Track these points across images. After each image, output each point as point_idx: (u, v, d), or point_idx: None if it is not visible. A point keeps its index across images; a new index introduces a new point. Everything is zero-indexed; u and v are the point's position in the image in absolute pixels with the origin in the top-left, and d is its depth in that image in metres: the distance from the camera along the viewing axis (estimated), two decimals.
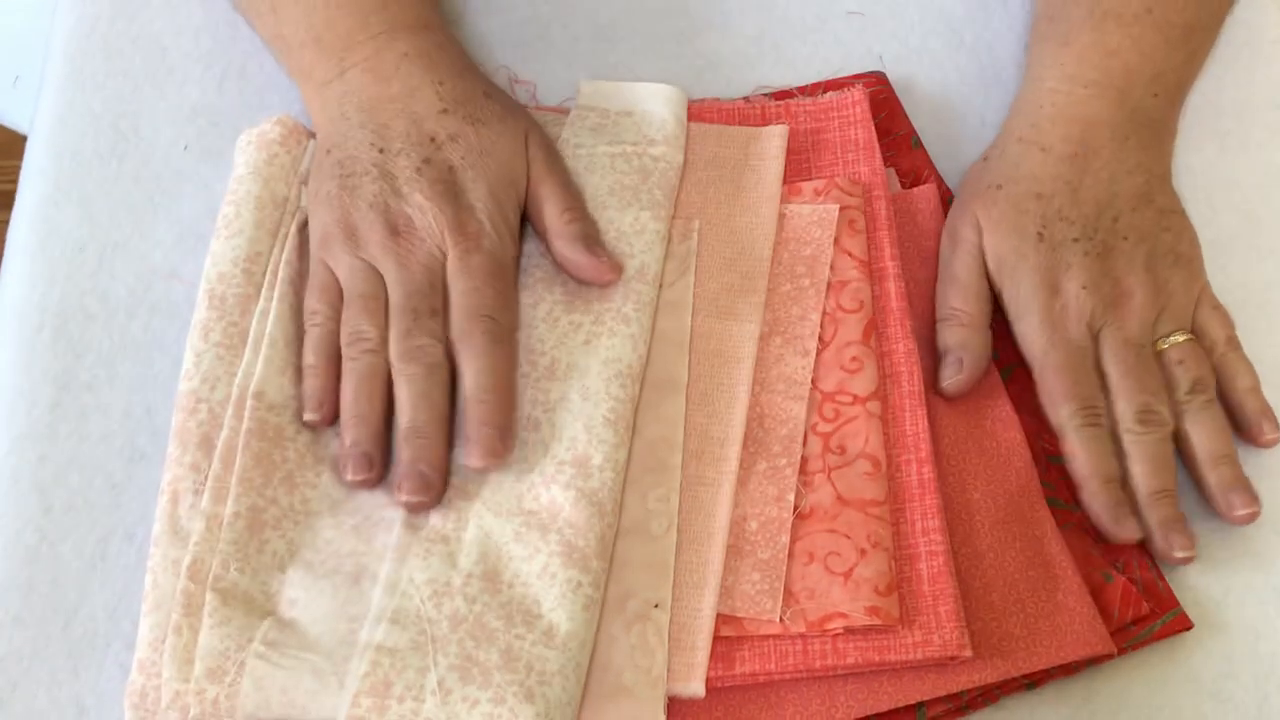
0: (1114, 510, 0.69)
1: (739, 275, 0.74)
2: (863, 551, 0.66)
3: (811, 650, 0.65)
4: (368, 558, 0.66)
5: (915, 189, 0.77)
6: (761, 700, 0.66)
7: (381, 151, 0.71)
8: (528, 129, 0.74)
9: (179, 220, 0.77)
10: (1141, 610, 0.67)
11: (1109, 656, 0.66)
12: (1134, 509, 0.69)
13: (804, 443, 0.69)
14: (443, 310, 0.69)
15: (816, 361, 0.71)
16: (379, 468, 0.68)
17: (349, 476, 0.67)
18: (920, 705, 0.66)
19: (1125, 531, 0.69)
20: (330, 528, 0.67)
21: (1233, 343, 0.73)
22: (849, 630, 0.65)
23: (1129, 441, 0.70)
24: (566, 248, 0.71)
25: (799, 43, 0.83)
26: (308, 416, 0.69)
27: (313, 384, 0.69)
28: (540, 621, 0.64)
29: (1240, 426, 0.72)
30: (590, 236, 0.72)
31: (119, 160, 0.78)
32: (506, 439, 0.67)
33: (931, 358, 0.73)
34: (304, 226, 0.73)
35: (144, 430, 0.72)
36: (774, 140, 0.77)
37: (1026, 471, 0.70)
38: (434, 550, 0.66)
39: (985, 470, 0.70)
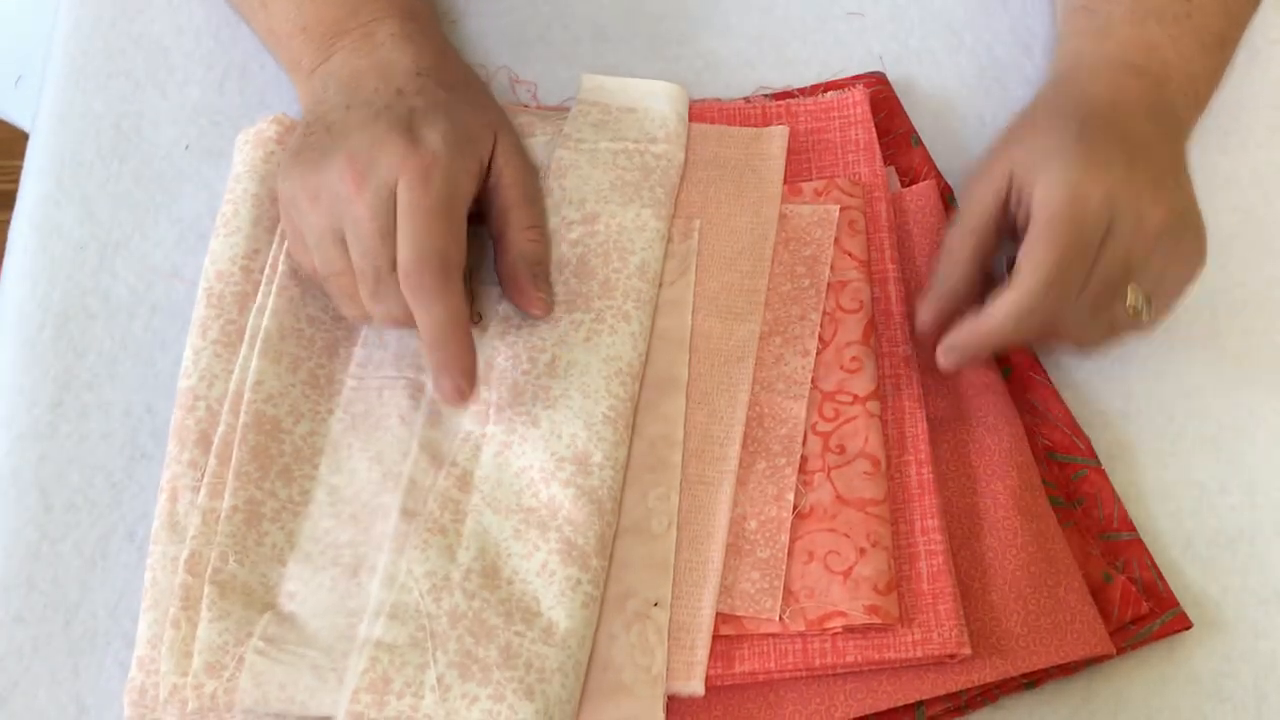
0: (962, 343, 0.68)
1: (739, 275, 0.74)
2: (862, 550, 0.66)
3: (811, 649, 0.65)
4: (365, 547, 0.66)
5: (914, 186, 0.77)
6: (761, 699, 0.66)
7: (347, 108, 0.70)
8: (499, 125, 0.72)
9: (180, 220, 0.77)
10: (1141, 610, 0.67)
11: (1108, 656, 0.66)
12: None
13: (804, 442, 0.70)
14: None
15: (816, 361, 0.71)
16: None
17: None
18: (919, 704, 0.66)
19: (927, 341, 0.69)
20: (329, 517, 0.67)
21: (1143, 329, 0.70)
22: (848, 629, 0.65)
23: (1021, 281, 0.66)
24: (519, 265, 0.70)
25: (799, 43, 0.83)
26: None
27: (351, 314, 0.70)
28: (539, 619, 0.64)
29: None
30: (543, 264, 0.71)
31: (120, 160, 0.78)
32: (470, 378, 0.67)
33: (931, 357, 0.73)
34: None
35: (145, 429, 0.72)
36: (775, 141, 0.77)
37: (1028, 469, 0.70)
38: (432, 541, 0.66)
39: (986, 469, 0.70)
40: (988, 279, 0.71)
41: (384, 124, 0.68)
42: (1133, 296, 0.67)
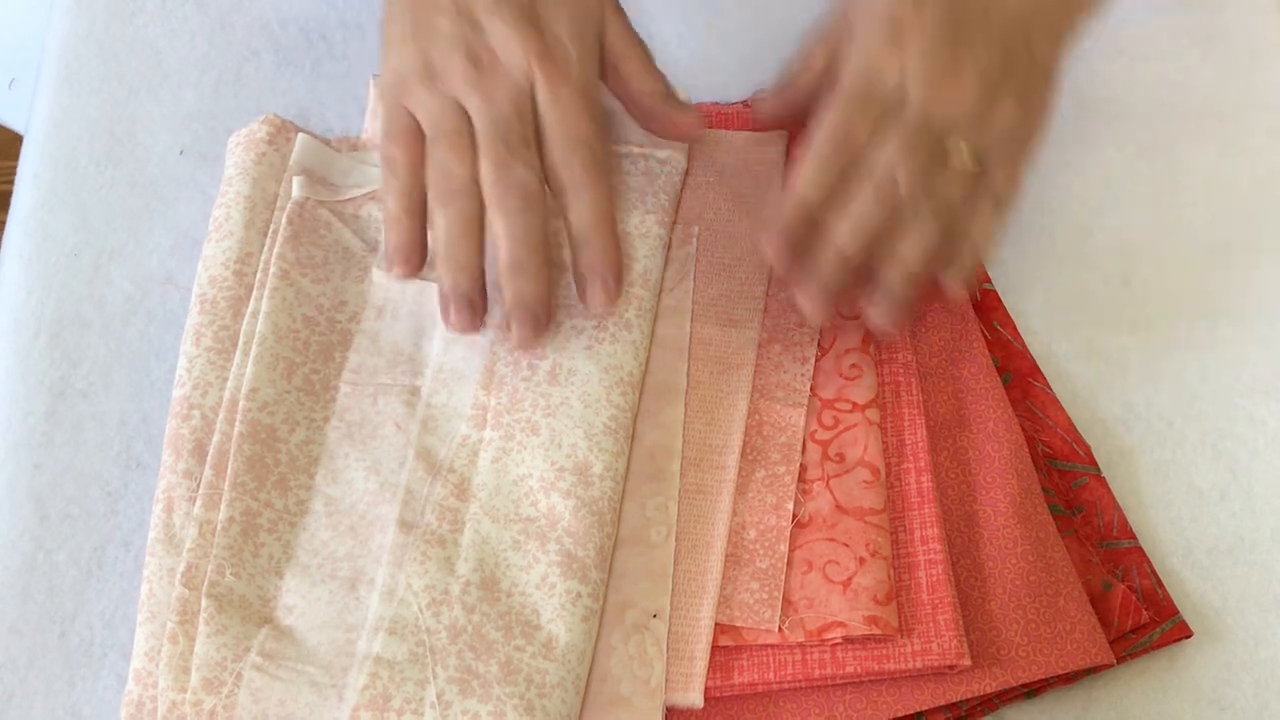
0: (780, 225, 0.67)
1: (738, 281, 0.73)
2: (861, 560, 0.66)
3: (810, 660, 0.65)
4: (364, 560, 0.66)
5: None
6: (760, 710, 0.65)
7: None
8: (606, 3, 0.71)
9: (175, 226, 0.76)
10: (1141, 618, 0.67)
11: (1108, 665, 0.66)
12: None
13: (803, 450, 0.69)
14: (535, 141, 0.67)
15: (816, 369, 0.71)
16: (481, 312, 0.68)
17: (452, 322, 0.67)
18: (919, 715, 0.66)
19: (774, 255, 0.67)
20: (326, 529, 0.67)
21: (1002, 203, 0.69)
22: (848, 639, 0.65)
23: (856, 201, 0.66)
24: (657, 103, 0.71)
25: (797, 45, 0.83)
26: (396, 270, 0.69)
27: (399, 237, 0.68)
28: (539, 633, 0.64)
29: (943, 261, 0.68)
30: (673, 95, 0.72)
31: (114, 165, 0.78)
32: (618, 276, 0.67)
33: (929, 365, 0.73)
34: (296, 215, 0.73)
35: (140, 438, 0.72)
36: (774, 146, 0.77)
37: (1028, 477, 0.69)
38: (431, 554, 0.65)
39: (985, 477, 0.69)
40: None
41: (507, 14, 0.67)
42: (957, 154, 0.67)
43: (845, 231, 0.66)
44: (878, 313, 0.68)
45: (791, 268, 0.68)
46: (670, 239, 0.74)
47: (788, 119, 0.73)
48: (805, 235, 0.67)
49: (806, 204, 0.67)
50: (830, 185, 0.67)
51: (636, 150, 0.75)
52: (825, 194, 0.67)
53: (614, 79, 0.72)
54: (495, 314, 0.69)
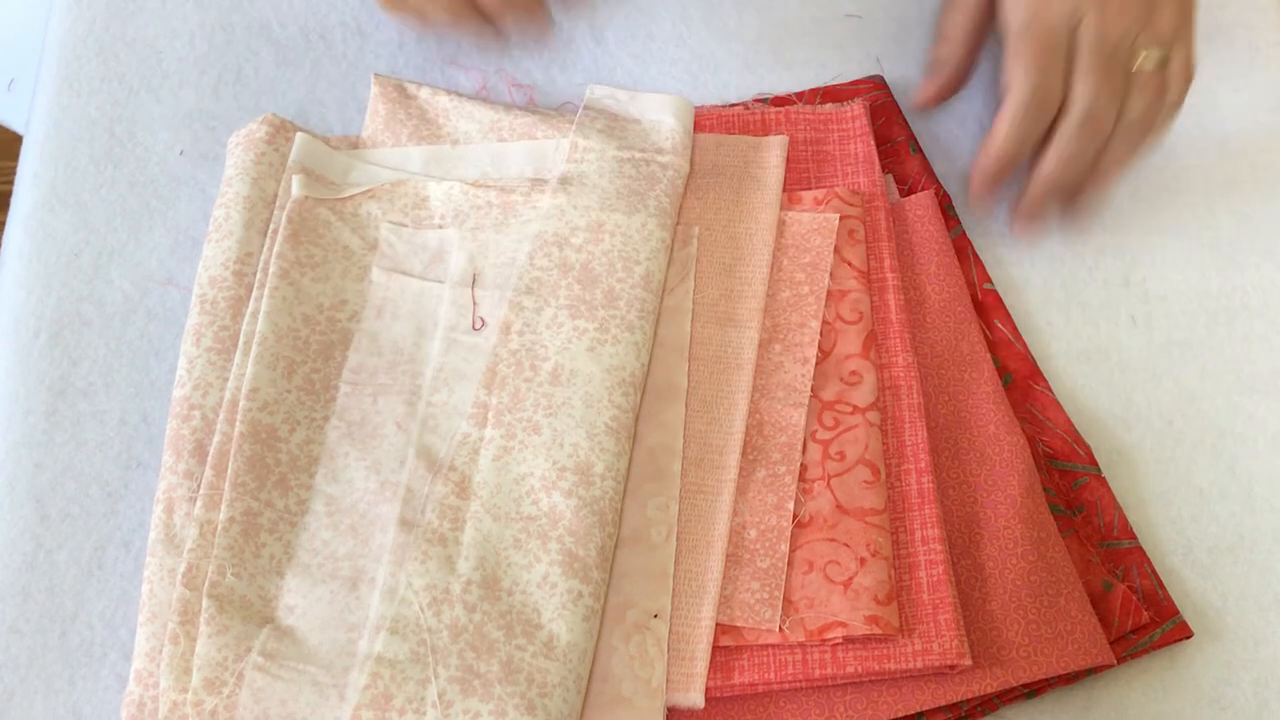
0: (988, 174, 0.74)
1: (738, 281, 0.73)
2: (862, 560, 0.66)
3: (811, 660, 0.65)
4: (365, 560, 0.66)
5: (912, 196, 0.77)
6: (760, 710, 0.65)
7: None
8: None
9: (175, 225, 0.76)
10: (1141, 619, 0.67)
11: (1109, 665, 0.66)
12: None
13: (804, 450, 0.69)
14: None
15: (816, 372, 0.71)
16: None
17: None
18: (920, 715, 0.66)
19: (977, 198, 0.74)
20: (327, 528, 0.67)
21: (1177, 102, 0.74)
22: (848, 639, 0.65)
23: (1060, 133, 0.73)
24: None
25: (797, 46, 0.83)
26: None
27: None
28: (541, 632, 0.64)
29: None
30: None
31: (114, 165, 0.78)
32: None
33: (930, 366, 0.73)
34: (295, 214, 0.73)
35: (141, 437, 0.71)
36: (774, 150, 0.77)
37: (1029, 476, 0.69)
38: (431, 553, 0.65)
39: (986, 478, 0.69)
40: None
41: None
42: (1141, 58, 0.73)
43: (1056, 163, 0.73)
44: (1021, 220, 0.75)
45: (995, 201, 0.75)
46: (672, 240, 0.74)
47: (955, 81, 0.79)
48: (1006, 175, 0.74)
49: (1006, 155, 0.73)
50: (1030, 133, 0.73)
51: (639, 154, 0.75)
52: (1025, 143, 0.73)
53: None
54: None
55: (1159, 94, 0.73)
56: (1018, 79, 0.72)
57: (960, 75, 0.79)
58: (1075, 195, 0.76)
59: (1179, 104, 0.74)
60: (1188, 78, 0.74)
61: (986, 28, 0.77)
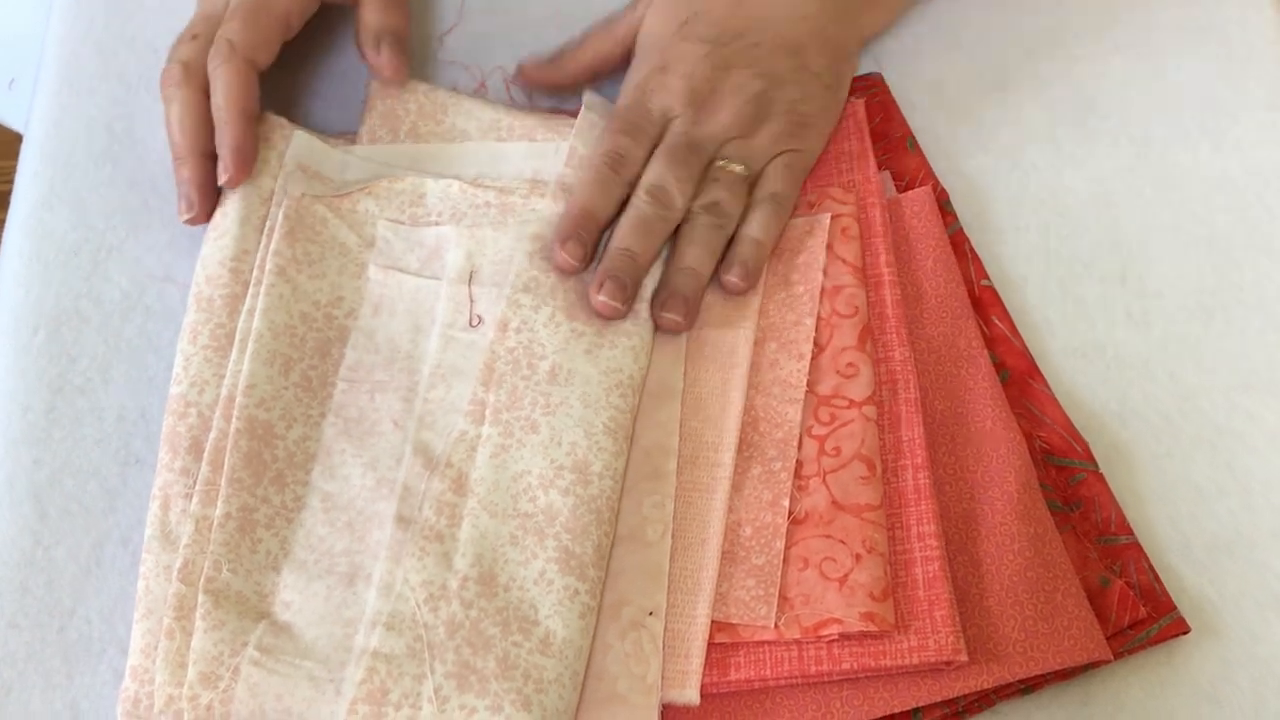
0: (564, 233, 0.72)
1: None
2: (858, 557, 0.66)
3: (806, 656, 0.65)
4: (362, 556, 0.66)
5: (909, 193, 0.77)
6: (756, 707, 0.65)
7: None
8: None
9: (173, 223, 0.76)
10: (1138, 614, 0.67)
11: (1106, 661, 0.66)
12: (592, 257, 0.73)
13: (799, 446, 0.69)
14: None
15: (812, 366, 0.71)
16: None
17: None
18: (916, 711, 0.66)
19: (559, 255, 0.72)
20: (323, 524, 0.67)
21: (776, 200, 0.74)
22: (844, 636, 0.65)
23: (631, 205, 0.73)
24: (364, 36, 0.77)
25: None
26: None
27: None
28: (537, 629, 0.64)
29: (724, 261, 0.73)
30: (391, 32, 0.77)
31: (113, 163, 0.78)
32: (240, 161, 0.73)
33: (927, 362, 0.73)
34: (292, 211, 0.73)
35: (139, 434, 0.72)
36: None
37: (1026, 472, 0.69)
38: (429, 549, 0.65)
39: (983, 474, 0.69)
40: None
41: None
42: (724, 165, 0.74)
43: (626, 228, 0.72)
44: (671, 314, 0.72)
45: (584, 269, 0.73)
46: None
47: (554, 85, 0.81)
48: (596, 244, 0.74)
49: (586, 212, 0.73)
50: (607, 196, 0.73)
51: None
52: (603, 204, 0.73)
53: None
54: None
55: (736, 190, 0.74)
56: (604, 143, 0.74)
57: (564, 85, 0.80)
58: (669, 277, 0.73)
59: (776, 211, 0.74)
60: (788, 189, 0.75)
61: (612, 71, 0.79)
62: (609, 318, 0.71)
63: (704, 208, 0.73)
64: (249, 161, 0.73)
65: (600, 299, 0.71)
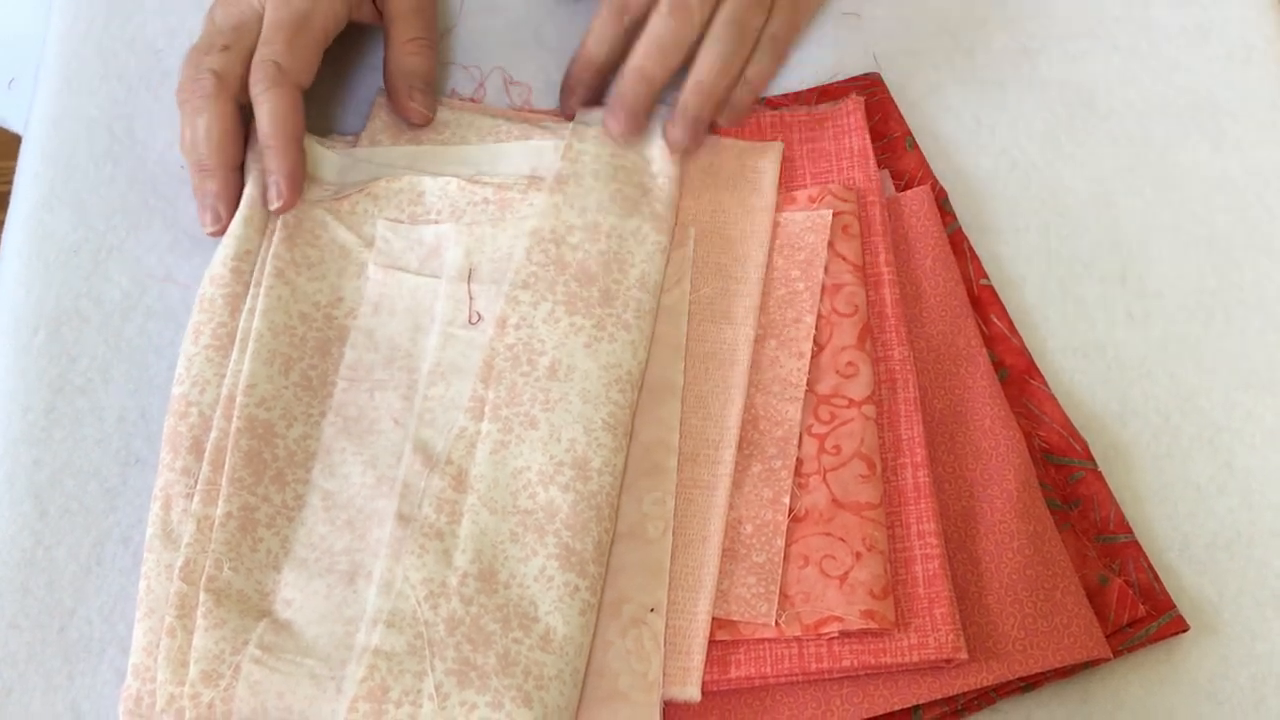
0: (573, 77, 0.76)
1: (734, 281, 0.74)
2: (858, 555, 0.66)
3: (807, 654, 0.65)
4: (362, 554, 0.66)
5: (908, 191, 0.77)
6: (756, 704, 0.66)
7: None
8: None
9: (174, 223, 0.77)
10: (1138, 612, 0.67)
11: (1105, 659, 0.66)
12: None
13: (799, 444, 0.69)
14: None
15: (812, 365, 0.71)
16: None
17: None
18: (916, 709, 0.66)
19: (566, 103, 0.76)
20: (323, 523, 0.67)
21: (775, 40, 0.76)
22: (844, 633, 0.65)
23: (649, 24, 0.74)
24: (397, 78, 0.77)
25: (794, 44, 0.83)
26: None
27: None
28: (537, 625, 0.64)
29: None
30: (422, 76, 0.77)
31: (113, 163, 0.78)
32: (292, 183, 0.73)
33: (926, 361, 0.73)
34: (291, 216, 0.73)
35: (139, 434, 0.72)
36: (769, 156, 0.77)
37: (1025, 471, 0.69)
38: (429, 547, 0.65)
39: (983, 473, 0.70)
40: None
41: None
42: None
43: (642, 47, 0.74)
44: (676, 130, 0.75)
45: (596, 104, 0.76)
46: (669, 244, 0.74)
47: (597, 92, 0.79)
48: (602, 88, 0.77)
49: (594, 61, 0.76)
50: (616, 41, 0.75)
51: (633, 158, 0.76)
52: (612, 51, 0.76)
53: (386, 39, 0.78)
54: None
55: (756, 28, 0.75)
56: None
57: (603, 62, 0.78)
58: (720, 105, 0.76)
59: (773, 55, 0.76)
60: (790, 32, 0.77)
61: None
62: (624, 137, 0.75)
63: (724, 22, 0.74)
64: (301, 187, 0.73)
65: (612, 124, 0.75)
